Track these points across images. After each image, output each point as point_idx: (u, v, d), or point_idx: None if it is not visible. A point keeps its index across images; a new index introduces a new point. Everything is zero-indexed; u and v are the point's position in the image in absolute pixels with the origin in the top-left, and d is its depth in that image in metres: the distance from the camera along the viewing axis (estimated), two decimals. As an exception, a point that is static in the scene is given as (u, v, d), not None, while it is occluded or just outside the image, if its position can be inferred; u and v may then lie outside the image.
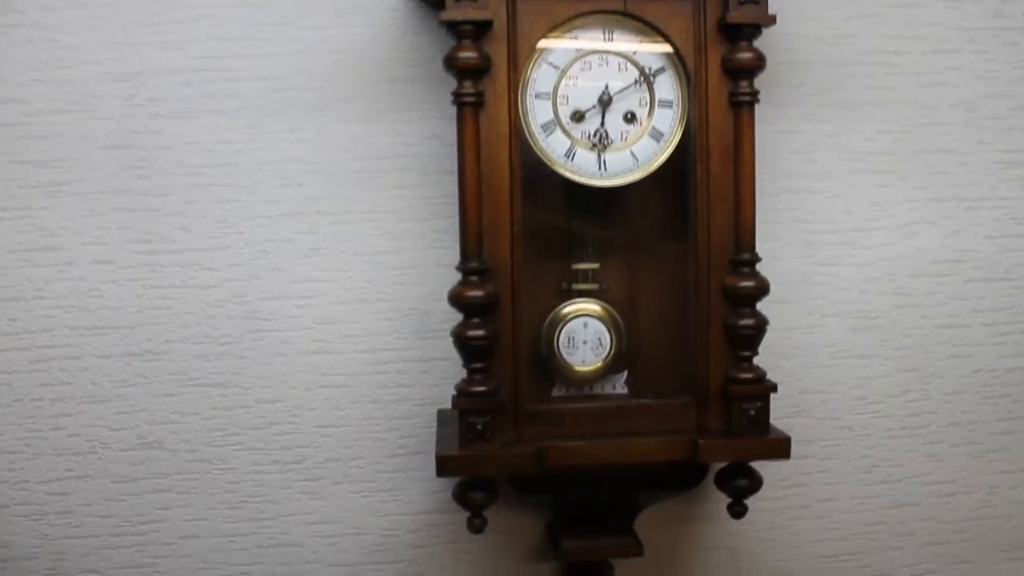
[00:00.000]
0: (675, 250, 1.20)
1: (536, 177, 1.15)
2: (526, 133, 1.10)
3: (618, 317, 1.20)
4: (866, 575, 1.43)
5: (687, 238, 1.15)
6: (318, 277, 1.28)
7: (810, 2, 1.32)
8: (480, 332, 1.07)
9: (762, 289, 1.12)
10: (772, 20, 1.07)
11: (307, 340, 1.29)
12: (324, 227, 1.28)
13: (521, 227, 1.10)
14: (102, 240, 1.26)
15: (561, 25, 1.09)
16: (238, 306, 1.28)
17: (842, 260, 1.37)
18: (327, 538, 1.33)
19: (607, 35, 1.11)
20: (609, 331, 1.18)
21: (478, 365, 1.08)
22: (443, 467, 1.07)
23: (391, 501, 1.33)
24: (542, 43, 1.09)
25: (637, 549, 1.22)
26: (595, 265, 1.20)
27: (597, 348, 1.18)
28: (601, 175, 1.12)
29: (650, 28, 1.10)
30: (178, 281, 1.27)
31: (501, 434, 1.10)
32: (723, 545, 1.40)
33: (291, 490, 1.32)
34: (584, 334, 1.18)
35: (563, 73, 1.11)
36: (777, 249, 1.32)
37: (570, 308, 1.19)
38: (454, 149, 1.18)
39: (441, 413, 1.26)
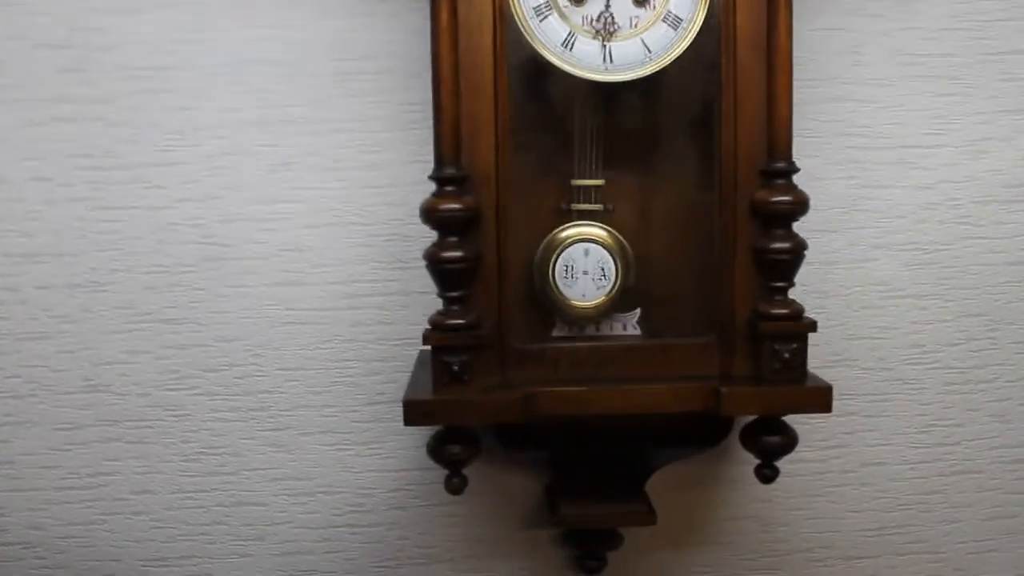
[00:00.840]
0: (695, 162, 1.02)
1: (527, 72, 0.97)
2: (515, 17, 0.92)
3: (626, 243, 1.01)
4: (917, 552, 1.24)
5: (710, 146, 0.97)
6: (285, 197, 1.12)
7: None
8: (456, 253, 0.90)
9: (800, 205, 0.92)
10: None
11: (272, 269, 1.13)
12: (292, 138, 1.11)
13: (508, 130, 0.92)
14: (39, 154, 1.10)
15: None
16: (193, 230, 1.12)
17: (896, 182, 1.17)
18: (295, 496, 1.17)
19: (615, -101, 0.92)
20: (614, 260, 1.00)
21: (455, 293, 0.91)
22: (411, 414, 0.90)
23: (368, 456, 1.17)
24: (535, -95, 0.90)
25: (649, 516, 1.04)
26: (599, 181, 1.01)
27: (600, 280, 1.00)
28: (606, 68, 0.93)
29: None
30: (125, 201, 1.12)
31: (483, 377, 0.93)
32: (750, 514, 1.22)
33: (254, 441, 1.16)
34: (584, 263, 1.00)
35: (560, -57, 0.92)
36: (817, 168, 1.13)
37: (569, 232, 1.01)
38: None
39: (423, 355, 1.09)
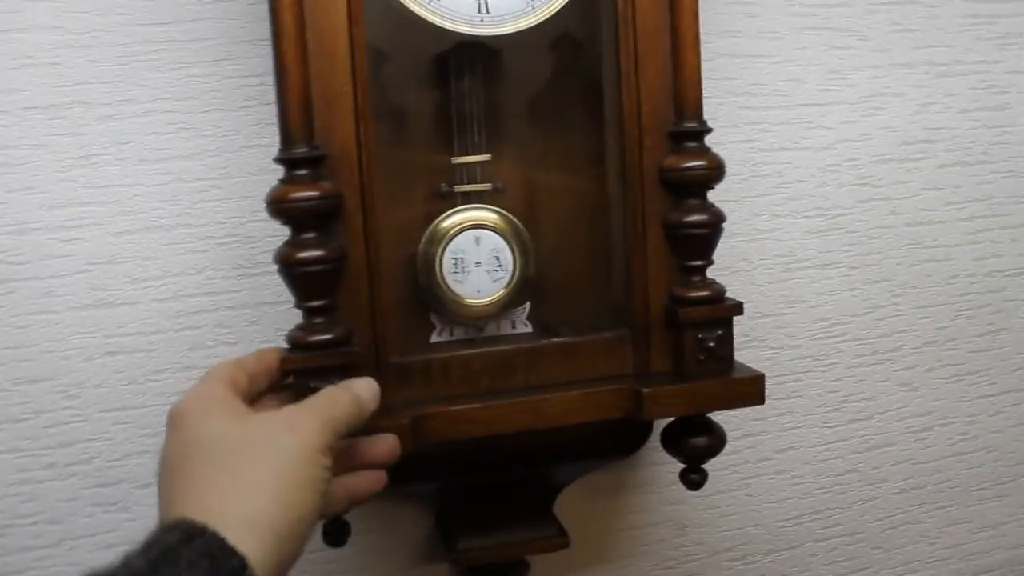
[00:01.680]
0: (591, 126, 0.87)
1: (391, 27, 0.80)
2: (369, -42, 0.75)
3: (521, 227, 0.86)
4: (836, 536, 1.16)
5: (607, 107, 0.83)
6: (89, 198, 0.90)
7: None
8: (315, 252, 0.72)
9: (716, 170, 0.80)
10: None
11: (80, 289, 0.91)
12: (92, 124, 0.89)
13: (368, 98, 0.75)
14: None
15: None
16: (-28, 246, 0.89)
17: (795, 144, 1.07)
18: (134, 562, 0.96)
19: None
20: (511, 246, 0.85)
21: (317, 303, 0.73)
22: (274, 457, 0.72)
23: (221, 503, 0.97)
24: None
25: (561, 540, 0.90)
26: (485, 157, 0.86)
27: (496, 271, 0.85)
28: (482, 20, 0.78)
29: None
30: None
31: (359, 400, 0.75)
32: (664, 519, 1.10)
33: (78, 502, 0.94)
34: (477, 253, 0.84)
35: None
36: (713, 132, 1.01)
37: (455, 218, 0.85)
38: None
39: (281, 378, 0.91)
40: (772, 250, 1.08)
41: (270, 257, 0.88)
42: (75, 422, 0.93)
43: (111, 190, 0.90)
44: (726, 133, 1.03)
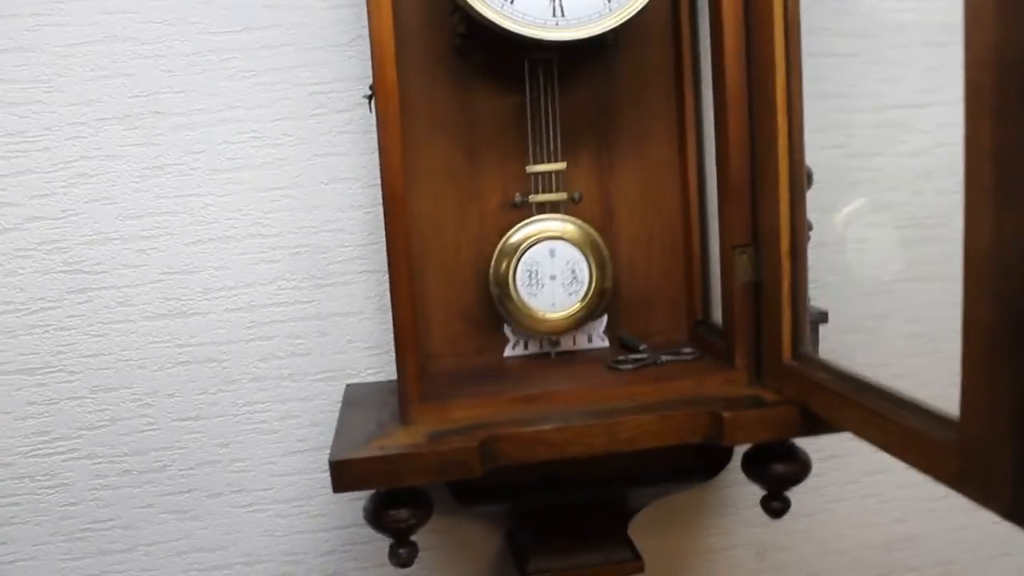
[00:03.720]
0: (667, 133, 0.84)
1: (462, 30, 0.78)
2: (440, -38, 0.72)
3: (598, 238, 0.83)
4: (928, 565, 1.09)
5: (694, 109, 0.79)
6: (163, 208, 0.90)
7: None
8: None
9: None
10: None
11: (155, 298, 0.91)
12: (166, 134, 0.89)
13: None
14: None
15: None
16: (51, 255, 0.90)
17: (889, 148, 1.01)
18: (207, 572, 0.96)
19: None
20: (587, 258, 0.82)
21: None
22: (341, 478, 0.70)
23: (292, 515, 0.96)
24: None
25: (635, 564, 0.87)
26: (560, 165, 0.83)
27: (571, 284, 0.82)
28: (556, 23, 0.75)
29: None
30: (-40, 224, 0.88)
31: (427, 416, 0.74)
32: (744, 541, 1.05)
33: (152, 509, 0.94)
34: (552, 266, 0.82)
35: None
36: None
37: (528, 230, 0.82)
38: (342, 11, 0.84)
39: (350, 390, 0.89)
40: (864, 261, 1.02)
41: (342, 268, 0.88)
42: (149, 430, 0.93)
43: (184, 200, 0.90)
44: (814, 136, 0.97)
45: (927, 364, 1.05)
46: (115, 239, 0.90)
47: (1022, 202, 0.47)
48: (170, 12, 0.88)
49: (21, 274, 0.90)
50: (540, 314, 0.82)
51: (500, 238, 0.83)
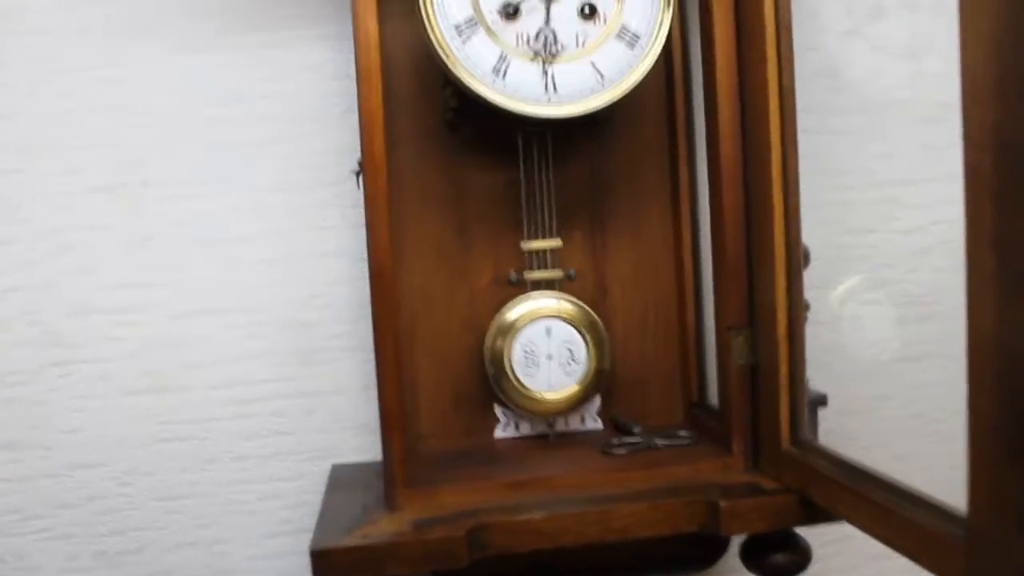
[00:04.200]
0: (663, 207, 0.83)
1: (454, 104, 0.77)
2: (430, 38, 0.72)
3: (595, 317, 0.81)
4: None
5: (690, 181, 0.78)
6: (147, 280, 0.88)
7: None
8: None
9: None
10: None
11: (135, 373, 0.89)
12: (153, 206, 0.88)
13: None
14: None
15: None
16: (30, 327, 0.88)
17: (884, 225, 1.00)
18: (180, 661, 0.92)
19: None
20: (584, 338, 0.80)
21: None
22: (322, 569, 0.67)
23: (273, 602, 0.92)
24: None
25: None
26: (555, 242, 0.82)
27: (569, 364, 0.80)
28: (549, 99, 0.74)
29: None
30: (-62, 296, 0.86)
31: (413, 502, 0.71)
32: (742, 631, 1.01)
33: (125, 593, 0.91)
34: (548, 345, 0.80)
35: (484, -56, 0.73)
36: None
37: (524, 308, 0.81)
38: (334, 84, 0.83)
39: (336, 471, 0.87)
40: (860, 340, 1.00)
41: (329, 344, 0.86)
42: (127, 510, 0.90)
43: (169, 272, 0.88)
44: (810, 214, 0.96)
45: (927, 446, 1.03)
46: (96, 311, 0.88)
47: (1028, 292, 0.45)
48: (161, 82, 0.87)
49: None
50: (537, 395, 0.80)
51: (491, 316, 0.81)
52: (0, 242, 0.87)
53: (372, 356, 0.71)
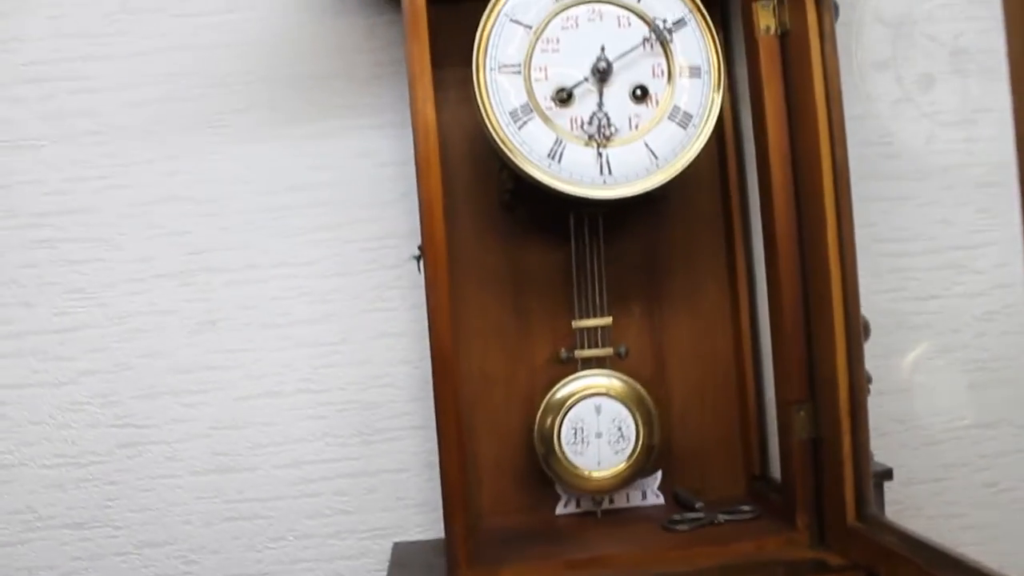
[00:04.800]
0: (723, 283, 0.83)
1: (510, 186, 0.79)
2: (487, 126, 0.74)
3: (644, 394, 0.81)
4: None
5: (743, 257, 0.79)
6: (214, 362, 0.91)
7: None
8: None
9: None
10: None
11: (202, 453, 0.91)
12: (218, 291, 0.91)
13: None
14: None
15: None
16: (103, 409, 0.91)
17: (945, 291, 0.99)
18: None
19: (599, -20, 0.75)
20: (633, 415, 0.80)
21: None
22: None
23: None
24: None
25: None
26: (605, 320, 0.82)
27: (618, 442, 0.80)
28: (604, 181, 0.75)
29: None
30: (15, 379, 0.90)
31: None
32: None
33: (193, 672, 0.91)
34: (597, 423, 0.80)
35: (537, 34, 0.75)
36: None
37: (574, 386, 0.81)
38: (391, 169, 0.85)
39: (398, 549, 0.87)
40: (926, 408, 0.98)
41: (390, 424, 0.87)
42: (193, 588, 0.91)
43: (234, 355, 0.90)
44: (869, 282, 0.96)
45: (1001, 516, 1.00)
46: (165, 393, 0.90)
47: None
48: (225, 172, 0.91)
49: (73, 428, 0.90)
50: (586, 473, 0.80)
51: (547, 395, 0.82)
52: (76, 328, 0.90)
53: (434, 435, 0.72)
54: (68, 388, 0.90)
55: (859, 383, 0.75)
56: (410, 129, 0.70)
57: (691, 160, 0.76)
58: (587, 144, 0.75)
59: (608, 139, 0.75)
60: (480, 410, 0.85)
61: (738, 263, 0.86)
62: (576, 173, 0.75)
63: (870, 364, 0.77)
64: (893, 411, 0.97)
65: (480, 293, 0.85)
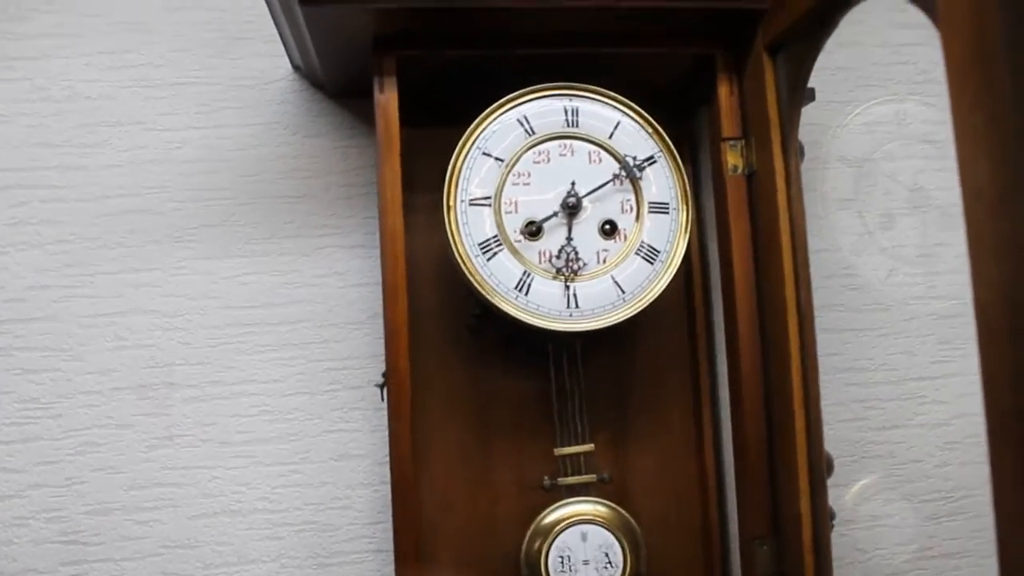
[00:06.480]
0: (683, 417, 0.83)
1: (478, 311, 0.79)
2: (455, 256, 0.74)
3: (631, 520, 0.81)
4: None
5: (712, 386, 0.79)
6: (169, 479, 0.88)
7: None
8: None
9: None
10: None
11: (152, 572, 0.88)
12: (178, 406, 0.89)
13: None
14: None
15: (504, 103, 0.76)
16: (49, 524, 0.87)
17: (908, 421, 0.99)
18: None
19: (570, 116, 0.77)
20: (620, 541, 0.79)
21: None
22: None
23: None
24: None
25: None
26: (588, 447, 0.82)
27: (605, 569, 0.79)
28: (571, 315, 0.75)
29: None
30: (-39, 493, 0.87)
31: None
32: None
33: None
34: (584, 550, 0.79)
35: (509, 167, 0.76)
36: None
37: (559, 514, 0.80)
38: (360, 290, 0.85)
39: None
40: (889, 538, 0.98)
41: (348, 547, 0.85)
42: None
43: (191, 472, 0.88)
44: (832, 412, 0.96)
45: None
46: (117, 510, 0.88)
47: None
48: (193, 287, 0.90)
49: (15, 544, 0.87)
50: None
51: (515, 522, 0.80)
52: (27, 439, 0.88)
53: (392, 559, 0.70)
54: (13, 501, 0.87)
55: (822, 519, 0.75)
56: (380, 251, 0.71)
57: (658, 295, 0.77)
58: (555, 277, 0.75)
59: (576, 273, 0.75)
60: (440, 536, 0.84)
61: (703, 396, 0.86)
62: (543, 306, 0.75)
63: (833, 492, 0.77)
64: (856, 540, 0.97)
65: (446, 419, 0.85)
